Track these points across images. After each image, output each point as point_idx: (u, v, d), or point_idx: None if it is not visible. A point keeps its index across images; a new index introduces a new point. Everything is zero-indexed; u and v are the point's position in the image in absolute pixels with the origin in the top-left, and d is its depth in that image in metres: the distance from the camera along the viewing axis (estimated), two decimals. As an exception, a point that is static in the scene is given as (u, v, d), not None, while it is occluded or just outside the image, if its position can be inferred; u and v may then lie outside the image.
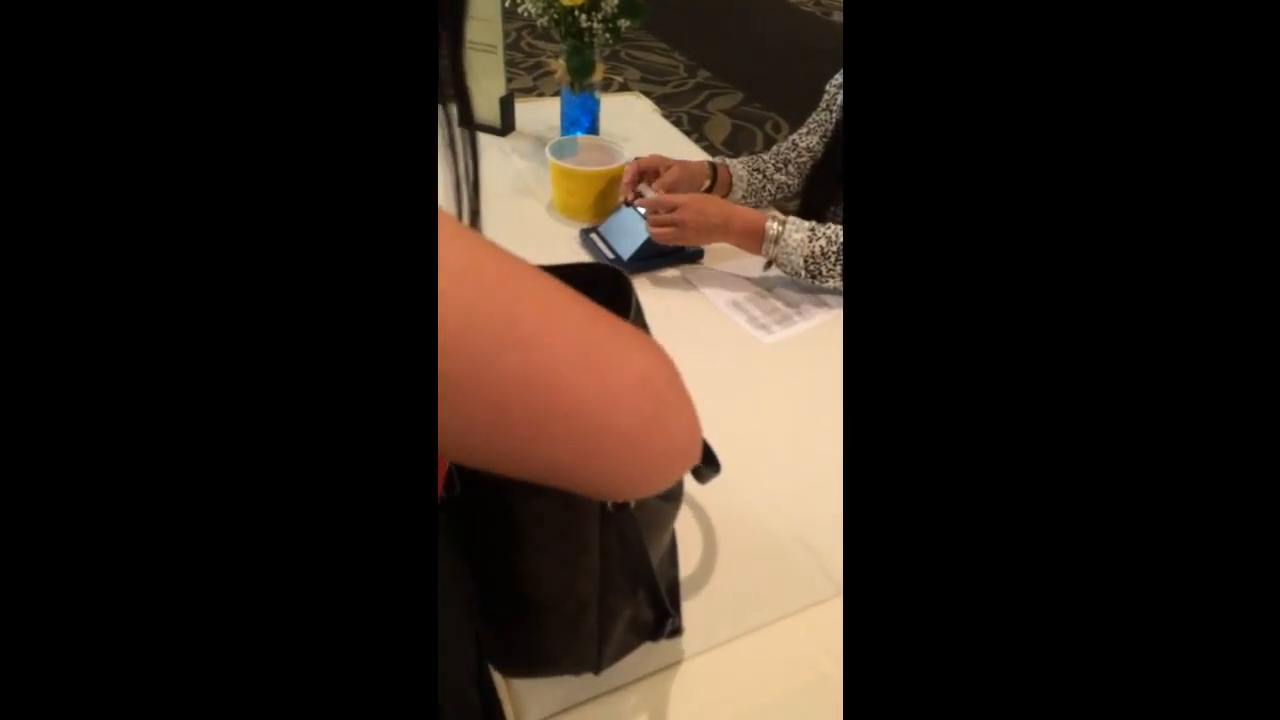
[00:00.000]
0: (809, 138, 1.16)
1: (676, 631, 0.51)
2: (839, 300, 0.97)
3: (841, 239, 0.92)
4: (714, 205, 0.95)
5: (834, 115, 1.13)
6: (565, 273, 0.44)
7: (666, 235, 0.96)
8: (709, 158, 1.24)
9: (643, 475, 0.30)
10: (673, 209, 0.95)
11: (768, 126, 3.03)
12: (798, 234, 0.93)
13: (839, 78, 1.15)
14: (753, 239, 0.94)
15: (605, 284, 0.42)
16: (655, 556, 0.46)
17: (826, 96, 1.16)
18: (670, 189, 1.04)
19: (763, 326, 0.93)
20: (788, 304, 0.97)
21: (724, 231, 0.95)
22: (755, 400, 0.82)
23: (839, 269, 0.92)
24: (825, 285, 0.95)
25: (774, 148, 1.20)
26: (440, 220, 0.23)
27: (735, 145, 2.86)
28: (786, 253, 0.93)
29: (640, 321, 0.42)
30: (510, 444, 0.25)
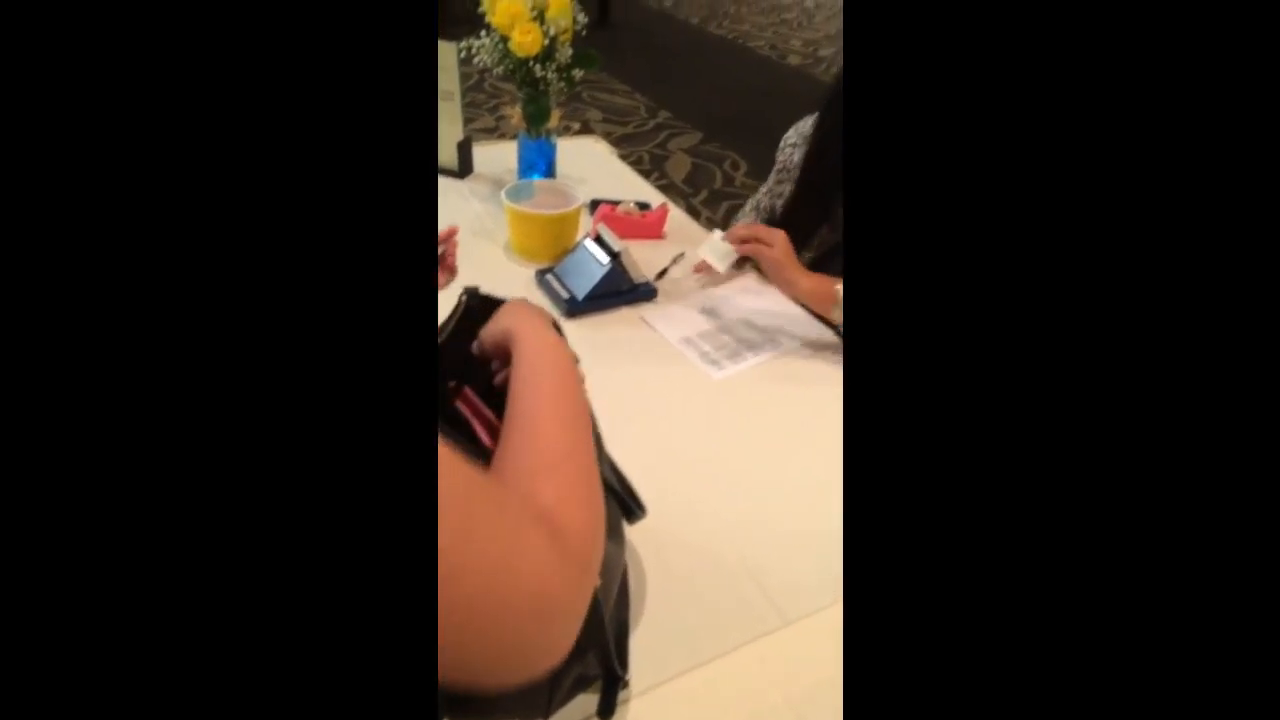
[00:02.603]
0: (771, 199, 1.22)
1: (622, 686, 0.52)
2: (791, 338, 1.00)
3: None
4: (795, 258, 1.01)
5: (791, 174, 1.19)
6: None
7: (749, 250, 1.02)
8: (663, 198, 1.27)
9: (515, 673, 0.32)
10: (771, 241, 1.00)
11: (726, 165, 3.10)
12: None
13: (792, 133, 1.20)
14: (821, 299, 0.97)
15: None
16: (606, 610, 0.47)
17: (781, 157, 1.21)
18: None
19: (714, 362, 0.95)
20: (738, 339, 0.99)
21: (791, 283, 0.99)
22: (704, 433, 0.84)
23: None
24: None
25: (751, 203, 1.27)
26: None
27: (695, 183, 2.92)
28: None
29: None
30: None
